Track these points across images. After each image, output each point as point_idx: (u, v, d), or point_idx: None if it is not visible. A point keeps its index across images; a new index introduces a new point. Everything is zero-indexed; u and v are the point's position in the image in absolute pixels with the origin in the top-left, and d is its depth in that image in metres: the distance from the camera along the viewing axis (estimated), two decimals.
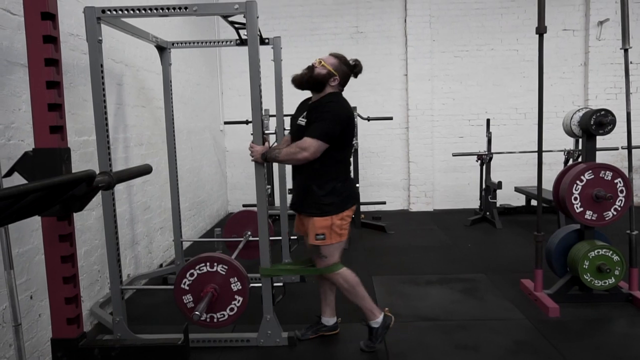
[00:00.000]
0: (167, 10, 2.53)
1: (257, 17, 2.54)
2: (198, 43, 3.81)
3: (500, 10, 6.44)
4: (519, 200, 6.54)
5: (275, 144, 3.28)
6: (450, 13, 6.51)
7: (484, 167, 5.94)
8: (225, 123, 6.25)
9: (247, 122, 5.96)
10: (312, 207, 2.56)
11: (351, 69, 2.58)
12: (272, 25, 6.58)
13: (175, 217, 4.01)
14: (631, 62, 6.30)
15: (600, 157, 3.64)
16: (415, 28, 6.48)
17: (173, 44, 3.78)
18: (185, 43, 3.79)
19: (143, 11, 2.52)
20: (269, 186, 5.96)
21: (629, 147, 3.24)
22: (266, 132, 2.69)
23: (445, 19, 6.52)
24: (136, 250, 4.07)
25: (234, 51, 6.75)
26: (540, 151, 3.27)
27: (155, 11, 2.53)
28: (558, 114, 6.54)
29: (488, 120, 5.89)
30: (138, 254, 4.10)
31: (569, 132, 3.42)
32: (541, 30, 3.11)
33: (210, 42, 3.84)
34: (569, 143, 6.20)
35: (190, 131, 5.53)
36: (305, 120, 2.52)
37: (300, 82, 2.54)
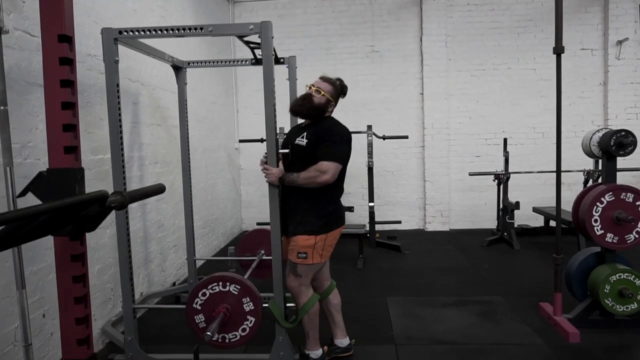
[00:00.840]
0: (183, 31, 2.56)
1: (272, 37, 2.55)
2: (213, 62, 3.85)
3: (517, 30, 6.41)
4: (537, 221, 6.40)
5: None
6: (466, 32, 6.50)
7: (501, 186, 5.85)
8: (240, 141, 6.28)
9: (262, 141, 5.99)
10: (298, 226, 2.57)
11: (340, 91, 2.68)
12: (287, 45, 6.65)
13: (189, 235, 4.01)
14: None
15: (621, 179, 3.54)
16: (431, 47, 6.47)
17: (189, 64, 3.83)
18: (201, 62, 3.83)
19: (159, 32, 2.55)
20: None
21: None
22: (281, 150, 2.66)
23: (461, 38, 6.51)
24: (149, 268, 4.07)
25: (250, 70, 6.79)
26: (558, 171, 3.20)
27: (171, 32, 2.56)
28: (577, 134, 6.43)
29: (505, 140, 5.81)
30: (151, 272, 4.09)
31: (588, 153, 3.33)
32: (559, 51, 3.07)
33: (225, 62, 3.88)
34: (588, 163, 6.08)
35: (205, 149, 5.56)
36: (305, 140, 2.53)
37: (300, 112, 2.60)
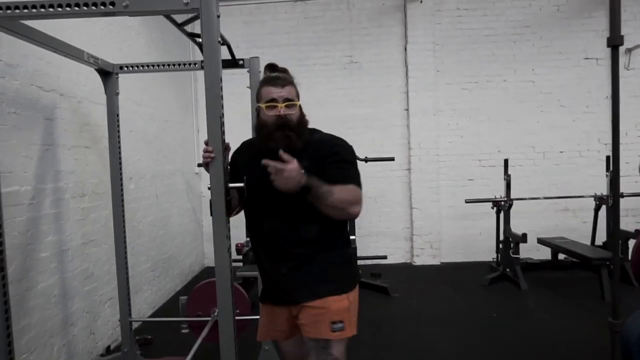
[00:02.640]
0: (78, 8, 1.68)
1: (218, 17, 1.71)
2: (153, 66, 2.97)
3: (513, 37, 5.75)
4: (540, 252, 5.65)
5: None
6: (456, 40, 5.80)
7: (502, 215, 5.09)
8: (199, 165, 5.37)
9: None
10: (321, 283, 1.77)
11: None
12: (255, 55, 5.80)
13: (122, 288, 3.05)
14: None
15: None
16: (417, 57, 5.75)
17: (121, 68, 2.94)
18: (136, 67, 2.94)
19: (41, 9, 1.67)
20: (249, 238, 5.03)
21: None
22: (233, 185, 1.78)
23: (451, 47, 5.81)
24: (70, 335, 3.09)
25: None
26: (616, 199, 2.39)
27: (60, 9, 1.69)
28: (582, 153, 5.78)
29: (506, 161, 5.08)
30: (73, 339, 3.12)
31: None
32: (615, 42, 2.33)
33: (166, 65, 2.99)
34: (599, 186, 5.40)
35: (155, 175, 4.63)
36: (303, 170, 1.66)
37: (291, 142, 1.74)
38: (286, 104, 1.74)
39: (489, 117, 5.86)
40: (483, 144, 5.88)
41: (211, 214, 1.74)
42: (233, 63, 2.76)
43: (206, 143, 1.72)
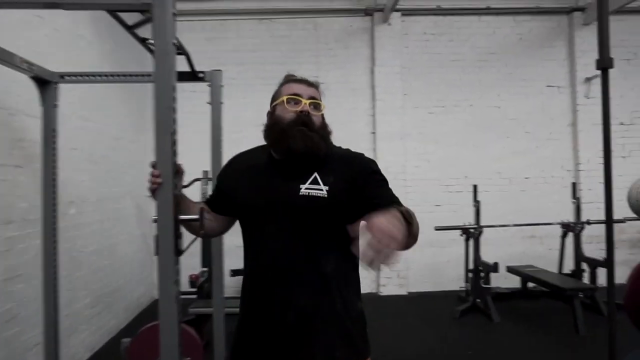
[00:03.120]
0: None
1: (174, 15, 1.40)
2: (100, 76, 2.61)
3: (478, 63, 5.74)
4: (508, 281, 5.51)
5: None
6: (424, 64, 5.73)
7: (472, 242, 4.93)
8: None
9: (184, 186, 4.71)
10: (343, 348, 1.40)
11: None
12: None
13: (50, 332, 2.59)
14: (622, 123, 5.73)
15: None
16: (384, 80, 5.62)
17: (62, 77, 2.56)
18: (80, 76, 2.57)
19: None
20: (205, 268, 4.62)
21: None
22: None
23: (418, 70, 5.72)
24: None
25: None
26: (609, 223, 2.21)
27: None
28: (547, 180, 5.76)
29: (475, 187, 4.96)
30: None
31: None
32: (604, 64, 2.18)
33: (115, 76, 2.63)
34: (563, 213, 5.37)
35: (101, 199, 4.17)
36: (325, 188, 1.38)
37: (314, 142, 1.39)
38: (312, 101, 1.44)
39: (456, 142, 5.77)
40: (450, 169, 5.77)
41: (156, 253, 1.40)
42: (192, 76, 2.44)
43: (153, 165, 1.39)
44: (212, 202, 1.62)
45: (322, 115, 1.48)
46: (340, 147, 1.52)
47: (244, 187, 1.48)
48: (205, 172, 4.50)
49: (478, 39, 5.77)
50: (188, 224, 1.48)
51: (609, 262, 2.17)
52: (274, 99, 1.51)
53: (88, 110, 3.90)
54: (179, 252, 1.42)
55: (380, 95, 5.65)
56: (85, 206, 3.82)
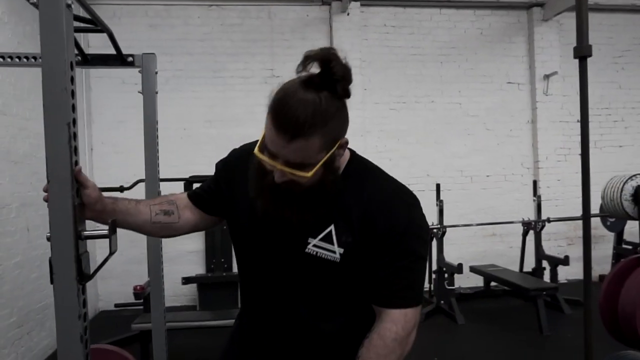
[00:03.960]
0: None
1: None
2: (4, 59, 2.17)
3: (439, 58, 5.57)
4: (470, 280, 5.39)
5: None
6: (383, 58, 5.50)
7: (435, 243, 4.76)
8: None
9: (121, 189, 4.29)
10: None
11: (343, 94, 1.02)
12: (162, 64, 4.99)
13: None
14: (590, 120, 5.71)
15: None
16: None
17: None
18: None
19: None
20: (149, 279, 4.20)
21: None
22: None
23: (378, 64, 5.49)
24: None
25: (110, 94, 5.11)
26: (586, 223, 2.02)
27: None
28: (507, 177, 5.69)
29: (438, 186, 4.80)
30: None
31: (620, 213, 2.23)
32: (583, 52, 1.97)
33: (27, 58, 2.20)
34: (523, 211, 5.32)
35: (25, 204, 3.67)
36: (340, 250, 1.05)
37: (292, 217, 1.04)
38: (284, 169, 0.97)
39: (417, 139, 5.59)
40: (412, 168, 5.59)
41: (51, 281, 1.06)
42: (119, 59, 2.07)
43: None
44: (199, 197, 1.26)
45: (324, 164, 1.00)
46: (378, 179, 1.12)
47: (245, 198, 1.11)
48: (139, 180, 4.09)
49: (439, 32, 5.61)
50: (137, 228, 1.21)
51: (586, 261, 1.98)
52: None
53: (5, 103, 3.40)
54: (83, 277, 1.09)
55: None
56: (4, 212, 3.33)
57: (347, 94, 1.01)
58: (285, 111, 0.94)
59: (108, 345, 2.24)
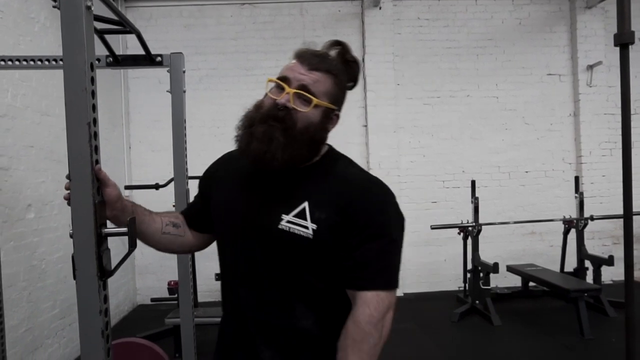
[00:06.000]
0: None
1: None
2: (40, 61, 2.25)
3: (475, 50, 5.41)
4: (507, 280, 5.23)
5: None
6: (417, 52, 5.40)
7: (470, 241, 4.64)
8: (127, 187, 4.59)
9: (157, 187, 4.39)
10: None
11: (351, 78, 1.21)
12: (196, 63, 5.18)
13: None
14: (635, 112, 5.44)
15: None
16: (375, 69, 5.28)
17: None
18: (11, 61, 2.22)
19: None
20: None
21: None
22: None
23: (411, 58, 5.39)
24: None
25: (146, 95, 5.25)
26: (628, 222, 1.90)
27: None
28: (547, 173, 5.47)
29: (473, 183, 4.66)
30: None
31: None
32: (625, 39, 1.85)
33: (59, 61, 2.28)
34: (564, 208, 5.10)
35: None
36: (313, 226, 1.06)
37: (269, 148, 1.06)
38: (299, 92, 1.06)
39: (452, 134, 5.46)
40: (447, 164, 5.46)
41: (74, 277, 1.09)
42: (148, 59, 2.11)
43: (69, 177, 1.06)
44: (190, 214, 1.31)
45: (323, 111, 1.10)
46: (352, 169, 1.16)
47: (223, 194, 1.21)
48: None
49: (475, 24, 5.44)
50: (148, 235, 1.21)
51: (627, 262, 1.86)
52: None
53: (48, 104, 3.54)
54: (104, 273, 1.11)
55: (371, 85, 5.32)
56: (46, 210, 3.48)
57: (354, 79, 1.21)
58: (312, 51, 1.13)
59: (139, 338, 2.30)
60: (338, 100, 1.14)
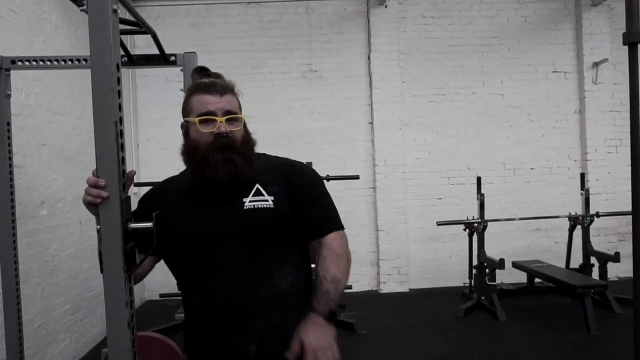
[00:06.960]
0: None
1: None
2: (63, 61, 2.30)
3: (480, 48, 5.44)
4: (513, 276, 5.26)
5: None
6: (422, 50, 5.43)
7: (476, 237, 4.67)
8: (135, 185, 4.64)
9: None
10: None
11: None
12: (203, 61, 5.09)
13: (13, 351, 2.32)
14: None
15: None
16: (381, 67, 5.32)
17: (14, 62, 2.26)
18: (35, 61, 2.27)
19: None
20: None
21: None
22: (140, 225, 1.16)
23: (416, 56, 5.42)
24: None
25: (154, 93, 5.30)
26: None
27: None
28: (553, 170, 5.50)
29: (479, 179, 4.69)
30: None
31: None
32: (633, 38, 1.88)
33: (78, 61, 2.33)
34: (570, 205, 5.13)
35: (78, 198, 3.87)
36: (270, 198, 1.31)
37: (237, 169, 1.28)
38: (227, 117, 1.28)
39: (458, 131, 5.49)
40: (452, 161, 5.50)
41: (101, 271, 1.14)
42: (162, 59, 2.15)
43: (95, 174, 1.10)
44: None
45: (243, 125, 1.33)
46: (276, 157, 1.45)
47: (177, 214, 1.32)
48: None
49: (480, 22, 5.47)
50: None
51: (636, 259, 1.89)
52: (184, 110, 1.34)
53: (59, 103, 3.59)
54: (130, 266, 1.16)
55: (377, 83, 5.36)
56: (58, 207, 3.53)
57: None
58: (209, 82, 1.30)
59: (154, 332, 2.34)
60: (241, 109, 1.35)
